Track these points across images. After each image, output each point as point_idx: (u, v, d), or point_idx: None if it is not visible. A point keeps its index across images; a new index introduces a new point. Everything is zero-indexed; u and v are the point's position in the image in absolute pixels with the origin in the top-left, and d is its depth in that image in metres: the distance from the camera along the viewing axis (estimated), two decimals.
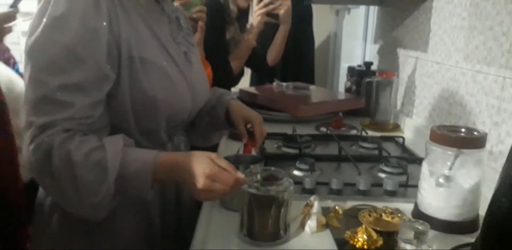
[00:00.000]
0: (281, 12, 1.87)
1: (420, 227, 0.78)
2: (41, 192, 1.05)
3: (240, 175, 0.85)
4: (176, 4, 1.17)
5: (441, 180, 0.92)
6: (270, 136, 1.48)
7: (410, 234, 0.78)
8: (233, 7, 1.90)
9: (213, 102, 1.19)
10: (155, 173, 0.83)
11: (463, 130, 0.95)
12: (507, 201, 0.72)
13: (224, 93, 1.22)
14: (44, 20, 0.84)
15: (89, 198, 0.82)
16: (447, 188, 0.92)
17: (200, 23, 1.54)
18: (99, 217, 0.87)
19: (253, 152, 1.17)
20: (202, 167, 0.81)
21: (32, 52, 0.85)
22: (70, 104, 0.84)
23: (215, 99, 1.20)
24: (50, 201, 1.01)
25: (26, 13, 1.44)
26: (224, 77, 1.80)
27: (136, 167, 0.83)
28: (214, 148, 1.44)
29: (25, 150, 0.84)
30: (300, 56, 2.71)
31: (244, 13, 2.00)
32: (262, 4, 1.85)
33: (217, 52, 1.81)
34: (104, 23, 0.86)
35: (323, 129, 1.72)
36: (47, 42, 0.83)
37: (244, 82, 2.38)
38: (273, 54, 2.09)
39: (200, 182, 0.80)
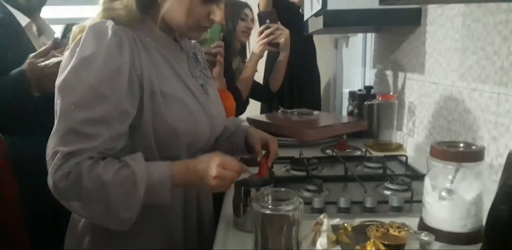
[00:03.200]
0: (282, 40, 2.00)
1: (425, 238, 0.82)
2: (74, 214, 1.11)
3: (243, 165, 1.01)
4: (193, 41, 1.26)
5: (443, 194, 0.96)
6: (279, 159, 1.53)
7: (416, 245, 0.82)
8: (235, 42, 2.12)
9: (233, 130, 1.29)
10: (173, 178, 0.94)
11: (461, 144, 0.99)
12: (505, 208, 0.76)
13: (243, 122, 1.36)
14: (73, 60, 0.93)
15: (121, 212, 0.91)
16: (450, 200, 0.95)
17: (219, 58, 1.63)
18: (126, 228, 0.95)
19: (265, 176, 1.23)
20: (212, 159, 0.97)
21: (61, 89, 0.93)
22: (94, 136, 0.92)
23: (234, 127, 1.30)
24: (83, 223, 1.07)
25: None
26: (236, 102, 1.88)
27: (158, 176, 0.93)
28: None
29: (50, 178, 0.91)
30: (307, 86, 2.92)
31: (243, 48, 2.24)
32: (263, 34, 1.99)
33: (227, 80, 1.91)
34: (126, 63, 0.95)
35: (329, 151, 1.77)
36: (74, 81, 0.92)
37: (255, 112, 2.63)
38: (275, 80, 2.21)
39: (213, 170, 0.95)
